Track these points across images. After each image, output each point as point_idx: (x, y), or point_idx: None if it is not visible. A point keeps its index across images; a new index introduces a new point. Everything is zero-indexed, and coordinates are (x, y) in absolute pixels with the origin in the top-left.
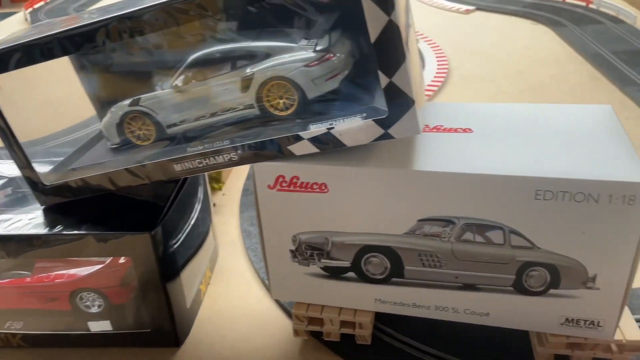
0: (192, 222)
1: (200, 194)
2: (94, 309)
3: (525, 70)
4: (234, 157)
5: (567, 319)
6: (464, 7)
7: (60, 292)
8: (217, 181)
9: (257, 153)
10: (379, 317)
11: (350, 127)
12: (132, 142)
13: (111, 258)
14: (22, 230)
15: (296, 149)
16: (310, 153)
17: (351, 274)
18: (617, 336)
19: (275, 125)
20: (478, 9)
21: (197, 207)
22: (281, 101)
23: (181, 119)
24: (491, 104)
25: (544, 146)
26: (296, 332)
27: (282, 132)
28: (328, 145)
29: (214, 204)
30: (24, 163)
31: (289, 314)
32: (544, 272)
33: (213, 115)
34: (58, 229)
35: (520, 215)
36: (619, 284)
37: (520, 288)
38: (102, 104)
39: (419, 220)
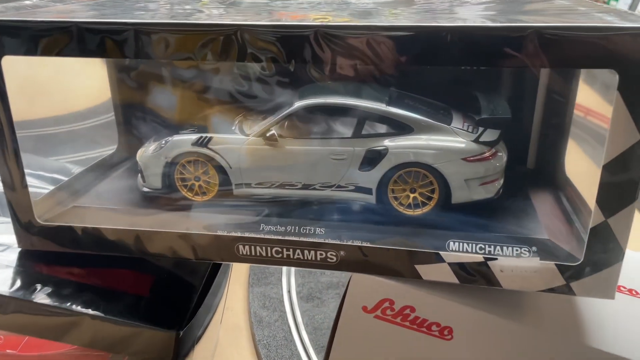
0: (215, 311)
1: (229, 273)
2: None
3: None
4: (332, 258)
5: None
6: None
7: None
8: None
9: (368, 262)
10: None
11: (519, 265)
12: (178, 193)
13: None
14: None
15: (427, 271)
16: (442, 282)
17: None
18: None
19: (391, 226)
20: None
21: (224, 289)
22: (412, 195)
23: (259, 181)
24: None
25: None
26: None
27: (407, 241)
28: (474, 279)
29: None
30: (16, 183)
31: None
32: None
33: (306, 187)
34: (38, 291)
35: None
36: None
37: None
38: (140, 121)
39: None
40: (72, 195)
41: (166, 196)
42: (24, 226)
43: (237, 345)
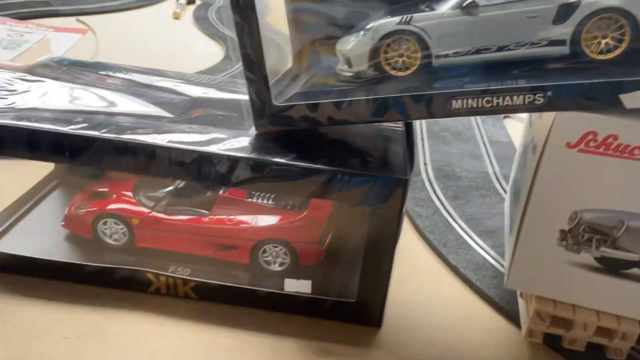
0: None
1: None
2: (275, 267)
3: None
4: (539, 100)
5: None
6: None
7: (243, 240)
8: None
9: (572, 99)
10: None
11: None
12: (382, 71)
13: (307, 210)
14: (255, 153)
15: (629, 99)
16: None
17: (635, 271)
18: None
19: (588, 69)
20: None
21: None
22: (604, 41)
23: (457, 49)
24: None
25: None
26: (530, 333)
27: (606, 78)
28: None
29: None
30: (260, 73)
31: (499, 309)
32: None
33: (501, 49)
34: (287, 157)
35: None
36: None
37: None
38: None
39: None
40: (287, 86)
41: (370, 75)
42: (262, 112)
43: (404, 233)
